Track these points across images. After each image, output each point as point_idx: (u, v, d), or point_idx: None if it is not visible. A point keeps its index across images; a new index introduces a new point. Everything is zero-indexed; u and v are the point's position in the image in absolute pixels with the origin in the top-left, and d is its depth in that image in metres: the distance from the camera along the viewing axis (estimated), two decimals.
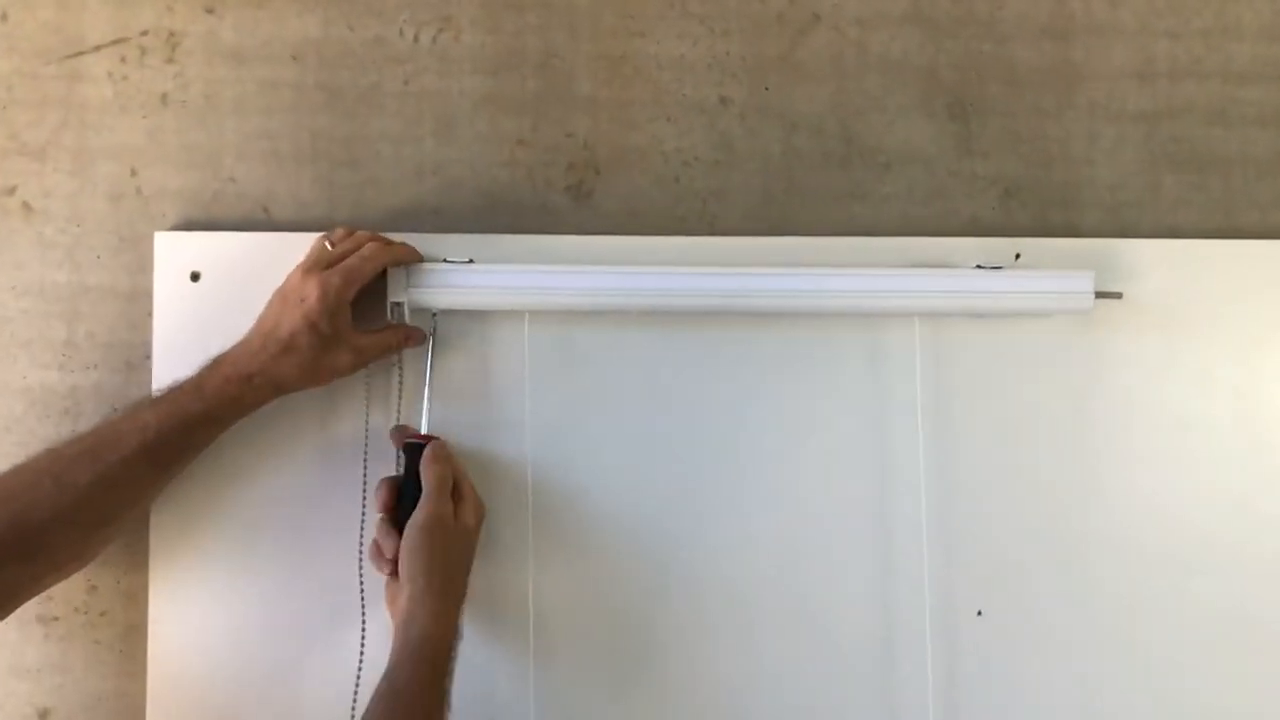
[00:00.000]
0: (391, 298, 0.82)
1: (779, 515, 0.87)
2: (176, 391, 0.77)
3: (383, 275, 0.82)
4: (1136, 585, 0.87)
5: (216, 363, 0.78)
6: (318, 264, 0.79)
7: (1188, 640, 0.87)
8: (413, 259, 0.83)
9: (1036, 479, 0.88)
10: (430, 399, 0.83)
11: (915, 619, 0.86)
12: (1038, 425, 0.88)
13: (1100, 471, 0.88)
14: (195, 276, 0.86)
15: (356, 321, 0.80)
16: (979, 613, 0.87)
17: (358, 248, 0.80)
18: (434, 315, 0.84)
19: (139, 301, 0.87)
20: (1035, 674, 0.87)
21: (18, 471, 0.73)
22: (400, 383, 0.85)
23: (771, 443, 0.87)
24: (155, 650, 0.83)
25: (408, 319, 0.83)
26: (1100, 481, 0.88)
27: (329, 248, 0.80)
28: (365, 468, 0.84)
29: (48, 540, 0.72)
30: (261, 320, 0.79)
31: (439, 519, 0.77)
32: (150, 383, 0.84)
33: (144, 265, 0.86)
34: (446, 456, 0.81)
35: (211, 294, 0.85)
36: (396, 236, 0.85)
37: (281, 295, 0.79)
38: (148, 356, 0.85)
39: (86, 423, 0.85)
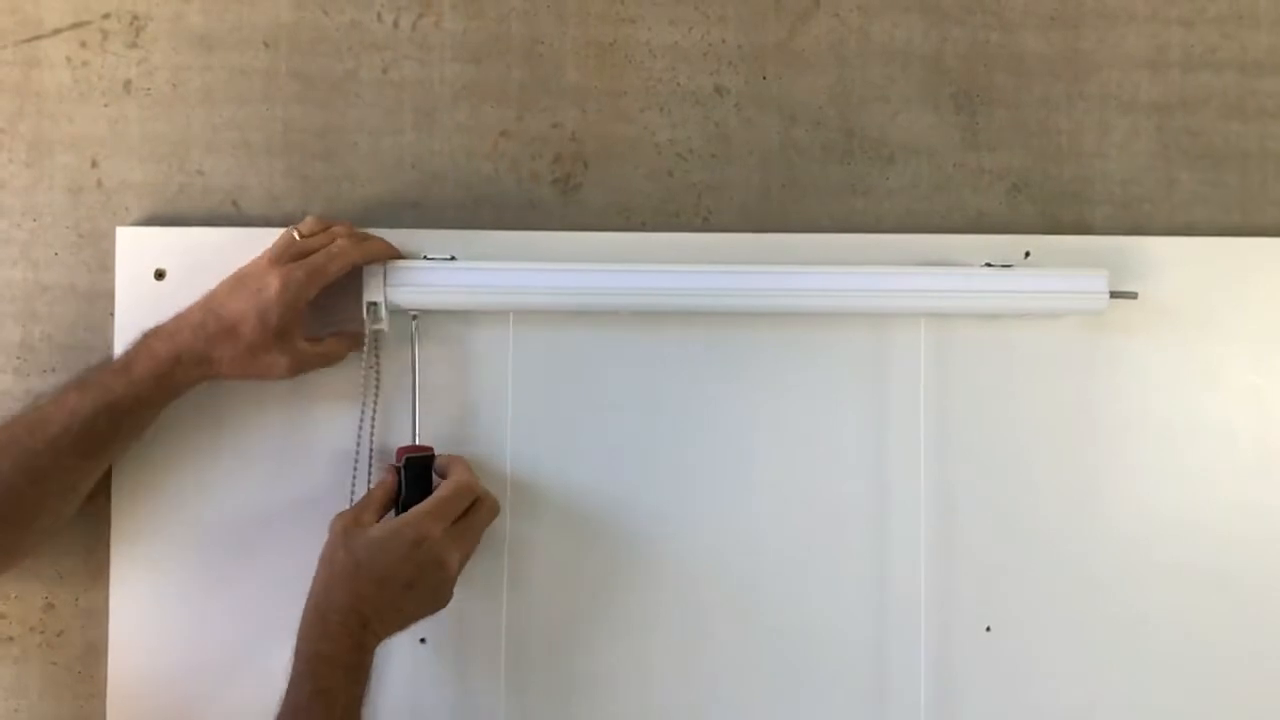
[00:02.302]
0: (367, 297, 0.78)
1: (776, 525, 0.84)
2: (104, 372, 0.73)
3: (355, 272, 0.78)
4: (1150, 596, 0.85)
5: (147, 338, 0.74)
6: (284, 255, 0.75)
7: (1208, 655, 0.85)
8: (388, 256, 0.79)
9: (1046, 486, 0.85)
10: (418, 406, 0.80)
11: (914, 632, 0.83)
12: (1048, 430, 0.85)
13: (1113, 478, 0.85)
14: (160, 275, 0.82)
15: (318, 322, 0.76)
16: (988, 629, 0.84)
17: (330, 242, 0.76)
18: (414, 318, 0.80)
19: (99, 301, 0.83)
20: (1045, 692, 0.84)
21: None
22: (377, 388, 0.81)
23: (768, 450, 0.84)
24: (115, 671, 0.80)
25: (385, 321, 0.79)
26: (1113, 490, 0.85)
27: (298, 238, 0.76)
28: (354, 480, 0.80)
29: None
30: (210, 296, 0.75)
31: (420, 543, 0.71)
32: None
33: (105, 262, 0.83)
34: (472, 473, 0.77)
35: (177, 293, 0.80)
36: (374, 233, 0.82)
37: (239, 278, 0.75)
38: (109, 358, 0.81)
39: None
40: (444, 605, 0.74)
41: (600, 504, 0.83)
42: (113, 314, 0.82)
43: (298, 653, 0.70)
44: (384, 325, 0.80)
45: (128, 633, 0.80)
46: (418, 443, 0.79)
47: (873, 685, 0.83)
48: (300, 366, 0.77)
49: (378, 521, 0.74)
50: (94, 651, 0.81)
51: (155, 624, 0.80)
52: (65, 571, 0.81)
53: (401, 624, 0.73)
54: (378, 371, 0.81)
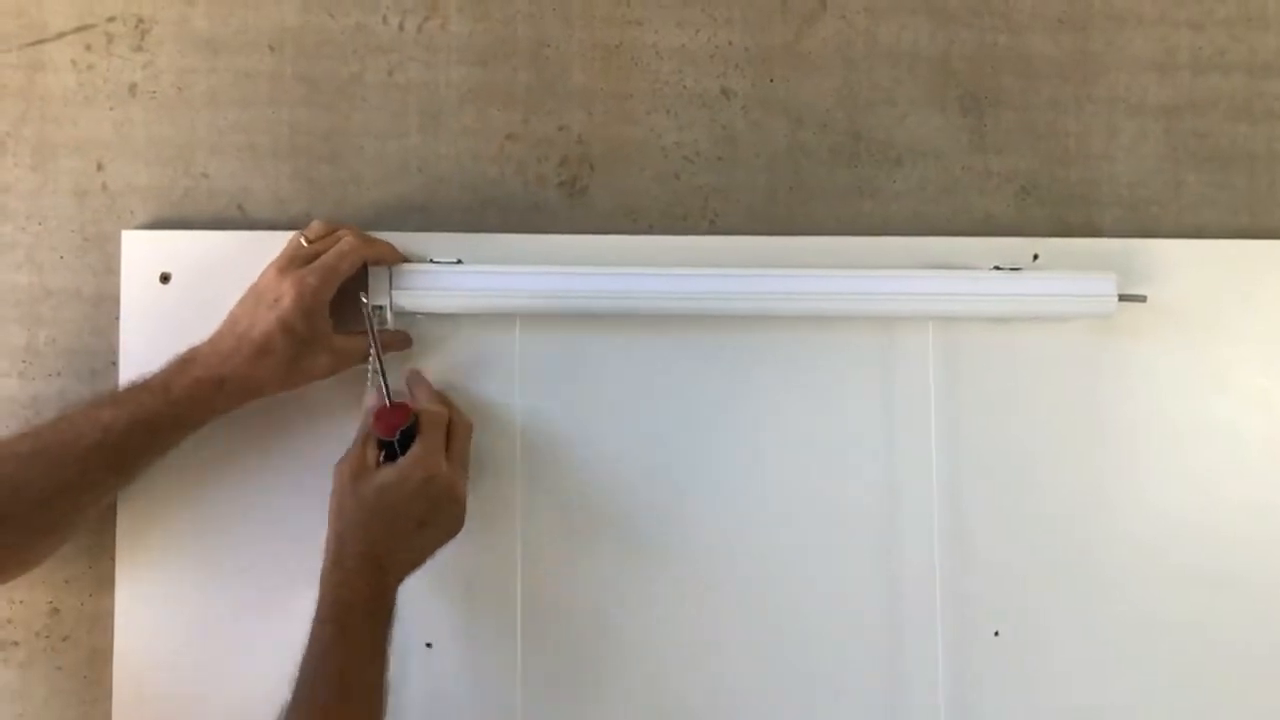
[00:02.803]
0: (372, 300, 0.78)
1: (785, 529, 0.83)
2: (140, 390, 0.72)
3: (364, 271, 0.77)
4: (1160, 600, 0.84)
5: (185, 362, 0.73)
6: (293, 262, 0.75)
7: (1217, 658, 0.84)
8: (393, 258, 0.79)
9: (1055, 489, 0.85)
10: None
11: (927, 637, 0.82)
12: (1057, 434, 0.85)
13: (1123, 484, 0.85)
14: (165, 278, 0.81)
15: (337, 321, 0.76)
16: (996, 633, 0.83)
17: (336, 244, 0.76)
18: (373, 308, 0.78)
19: (105, 305, 0.82)
20: (1054, 696, 0.84)
21: None
22: (387, 390, 0.80)
23: (777, 454, 0.83)
24: (121, 676, 0.79)
25: (390, 323, 0.79)
26: (1123, 494, 0.85)
27: (305, 244, 0.76)
28: None
29: None
30: (234, 320, 0.75)
31: (431, 479, 0.72)
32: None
33: (110, 266, 0.82)
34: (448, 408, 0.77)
35: (182, 297, 0.81)
36: (380, 236, 0.81)
37: (255, 294, 0.75)
38: (114, 363, 0.81)
39: None
40: (458, 531, 0.75)
41: (609, 507, 0.83)
42: (118, 318, 0.81)
43: (320, 598, 0.70)
44: (390, 327, 0.79)
45: (133, 638, 0.79)
46: (389, 402, 0.76)
47: (885, 689, 0.83)
48: (341, 362, 0.76)
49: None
50: (99, 656, 0.80)
51: (161, 629, 0.79)
52: (71, 576, 0.80)
53: (418, 561, 0.74)
54: (384, 374, 0.80)
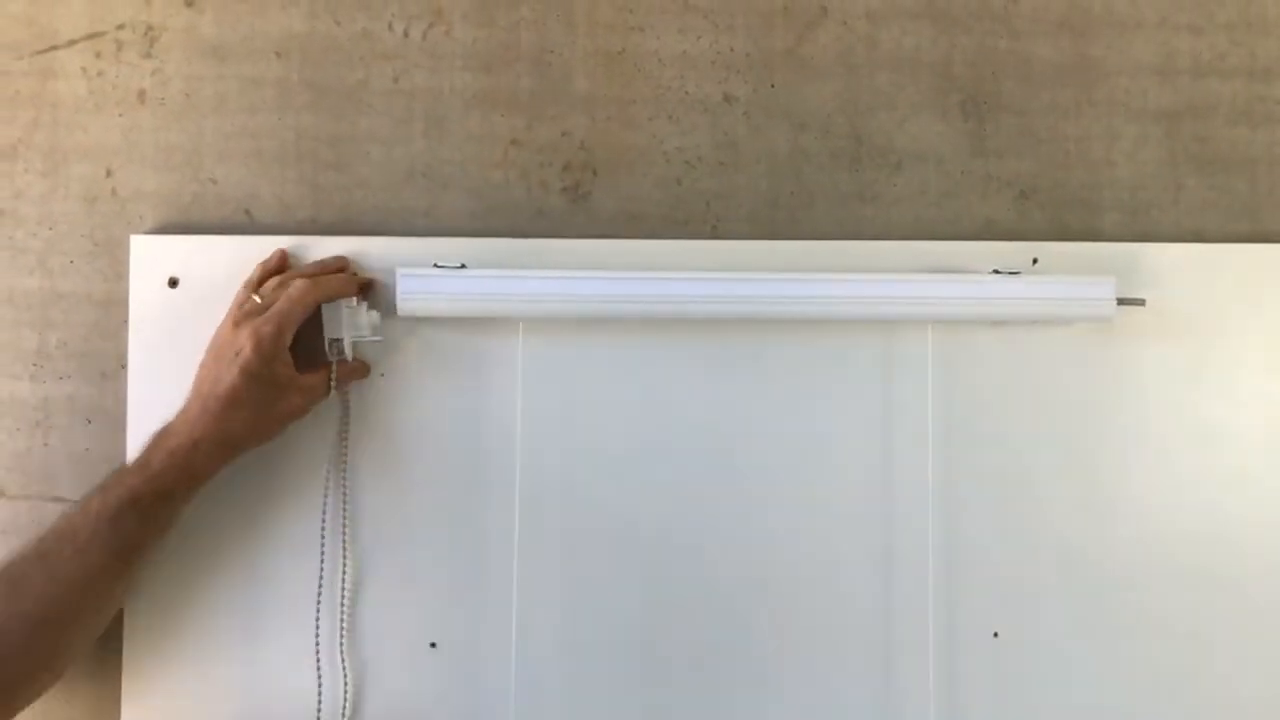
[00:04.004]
0: (328, 334, 0.79)
1: (783, 531, 0.84)
2: (122, 473, 0.73)
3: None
4: (1158, 604, 0.84)
5: (159, 436, 0.74)
6: (248, 315, 0.76)
7: (1217, 662, 0.84)
8: (346, 291, 0.79)
9: (1054, 493, 0.85)
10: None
11: (924, 639, 0.83)
12: (1056, 438, 0.85)
13: (1121, 488, 0.85)
14: (173, 282, 0.83)
15: (299, 363, 0.77)
16: (995, 634, 0.84)
17: (286, 290, 0.76)
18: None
19: (114, 309, 0.83)
20: (1052, 699, 0.84)
21: None
22: (347, 421, 0.82)
23: (777, 456, 0.84)
24: None
25: (349, 355, 0.80)
26: (1121, 498, 0.85)
27: (257, 301, 0.77)
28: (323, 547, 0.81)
29: (7, 654, 0.69)
30: (198, 383, 0.76)
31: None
32: (125, 393, 0.82)
33: (119, 270, 0.83)
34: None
35: (190, 301, 0.82)
36: (384, 240, 0.83)
37: (214, 352, 0.76)
38: (123, 366, 0.82)
39: (58, 435, 0.84)
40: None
41: (609, 510, 0.83)
42: (126, 322, 0.83)
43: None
44: (348, 358, 0.80)
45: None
46: None
47: (880, 691, 0.83)
48: (313, 397, 0.78)
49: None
50: None
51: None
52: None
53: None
54: (347, 405, 0.82)
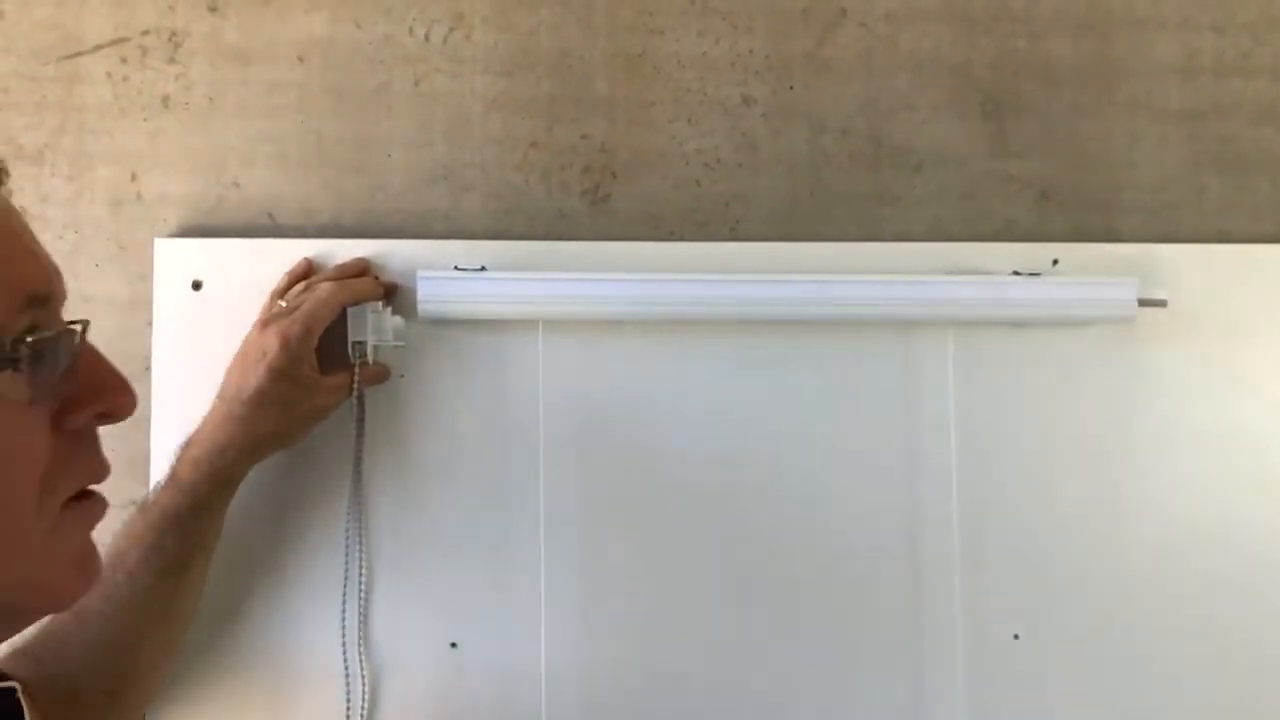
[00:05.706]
0: (353, 337, 0.79)
1: (805, 533, 0.84)
2: (158, 491, 0.74)
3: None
4: (1180, 605, 0.84)
5: (185, 447, 0.74)
6: (275, 317, 0.76)
7: (1238, 664, 0.84)
8: (372, 295, 0.80)
9: (1075, 497, 0.84)
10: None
11: (947, 642, 0.83)
12: (1077, 440, 0.85)
13: (1143, 489, 0.85)
14: (197, 285, 0.83)
15: (322, 367, 0.77)
16: (1015, 636, 0.83)
17: (313, 293, 0.77)
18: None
19: (138, 311, 0.84)
20: (1074, 700, 0.84)
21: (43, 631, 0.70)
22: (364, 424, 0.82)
23: (797, 458, 0.84)
24: None
25: (370, 359, 0.80)
26: (1143, 500, 0.85)
27: (283, 305, 0.78)
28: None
29: (80, 684, 0.69)
30: (223, 388, 0.76)
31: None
32: (150, 396, 0.82)
33: (144, 273, 0.84)
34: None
35: (214, 303, 0.83)
36: (406, 243, 0.83)
37: (241, 356, 0.76)
38: (147, 368, 0.83)
39: None
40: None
41: (631, 510, 0.83)
42: (150, 324, 0.83)
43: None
44: (370, 361, 0.80)
45: None
46: None
47: (906, 691, 0.83)
48: (339, 397, 0.79)
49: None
50: None
51: None
52: None
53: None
54: (363, 407, 0.82)
